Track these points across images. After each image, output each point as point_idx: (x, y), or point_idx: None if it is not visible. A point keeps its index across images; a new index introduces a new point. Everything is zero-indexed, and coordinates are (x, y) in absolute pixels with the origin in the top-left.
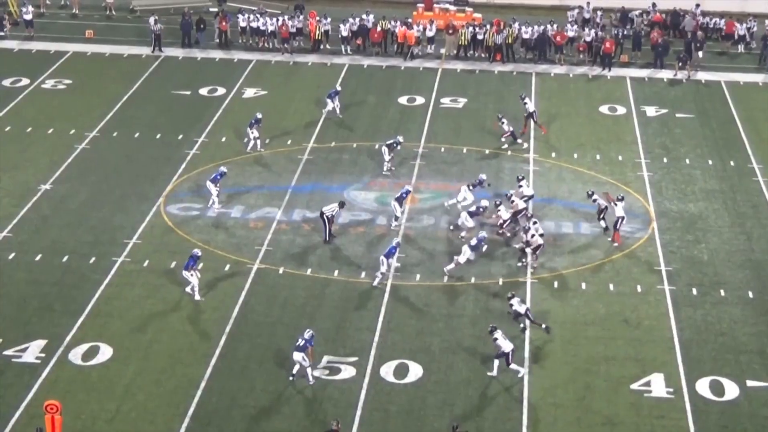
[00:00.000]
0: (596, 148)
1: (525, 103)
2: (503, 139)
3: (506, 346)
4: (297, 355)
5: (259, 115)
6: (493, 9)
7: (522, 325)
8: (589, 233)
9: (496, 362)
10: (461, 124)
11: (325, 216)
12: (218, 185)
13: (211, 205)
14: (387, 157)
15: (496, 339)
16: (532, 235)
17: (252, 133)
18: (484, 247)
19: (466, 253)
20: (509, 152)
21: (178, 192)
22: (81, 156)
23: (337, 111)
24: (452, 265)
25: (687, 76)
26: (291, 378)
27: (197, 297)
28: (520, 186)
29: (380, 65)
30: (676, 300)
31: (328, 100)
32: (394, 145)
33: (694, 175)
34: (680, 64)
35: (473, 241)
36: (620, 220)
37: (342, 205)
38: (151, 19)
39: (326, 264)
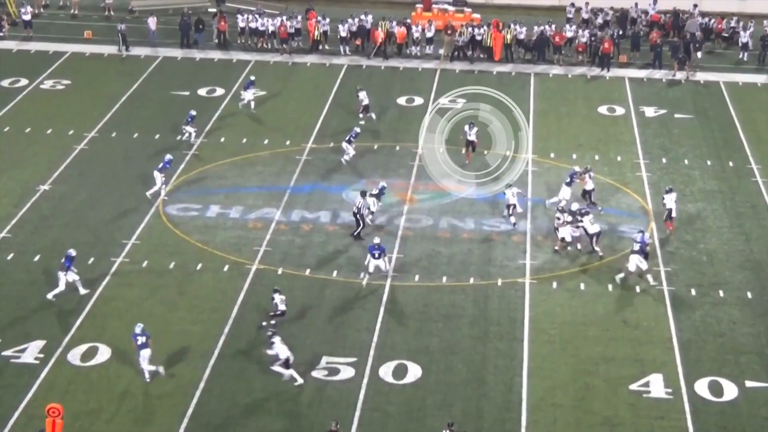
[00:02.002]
0: (595, 148)
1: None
2: (360, 115)
3: (283, 352)
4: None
5: (194, 113)
6: (492, 9)
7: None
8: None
9: (281, 369)
10: (460, 125)
11: (357, 215)
12: (164, 174)
13: (157, 192)
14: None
15: (273, 343)
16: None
17: (186, 129)
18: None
19: (634, 260)
20: (508, 153)
21: (176, 192)
22: (80, 156)
23: (252, 106)
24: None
25: (686, 77)
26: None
27: (81, 291)
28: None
29: (379, 66)
30: (674, 301)
31: (243, 92)
32: (353, 137)
33: (693, 175)
34: (679, 64)
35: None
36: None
37: (363, 194)
38: (122, 25)
39: (325, 264)
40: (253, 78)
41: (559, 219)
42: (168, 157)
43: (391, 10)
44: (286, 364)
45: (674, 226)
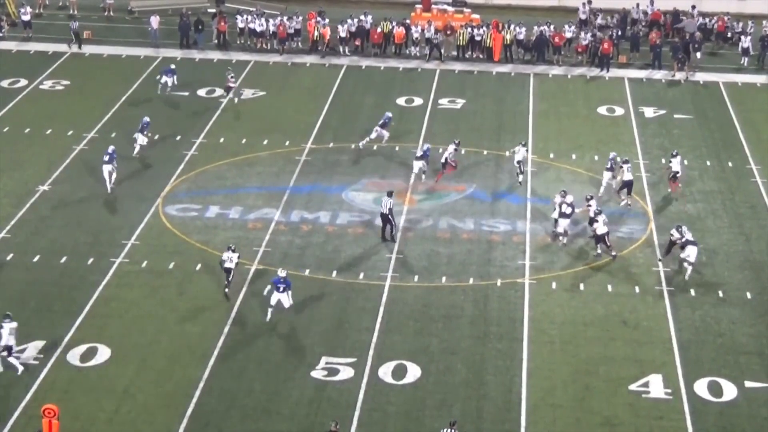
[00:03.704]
0: (594, 149)
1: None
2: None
3: (5, 339)
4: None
5: (147, 119)
6: (492, 10)
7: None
8: (588, 233)
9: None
10: (460, 125)
11: (390, 215)
12: (114, 163)
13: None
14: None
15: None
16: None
17: (139, 138)
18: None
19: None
20: (507, 153)
21: (176, 193)
22: (79, 157)
23: (168, 86)
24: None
25: (685, 77)
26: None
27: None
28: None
29: (378, 66)
30: (674, 301)
31: (164, 77)
32: (387, 121)
33: (693, 176)
34: (678, 64)
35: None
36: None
37: (390, 194)
38: (75, 23)
39: (324, 265)
40: (173, 66)
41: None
42: (112, 147)
43: (391, 11)
44: (8, 351)
45: (680, 187)
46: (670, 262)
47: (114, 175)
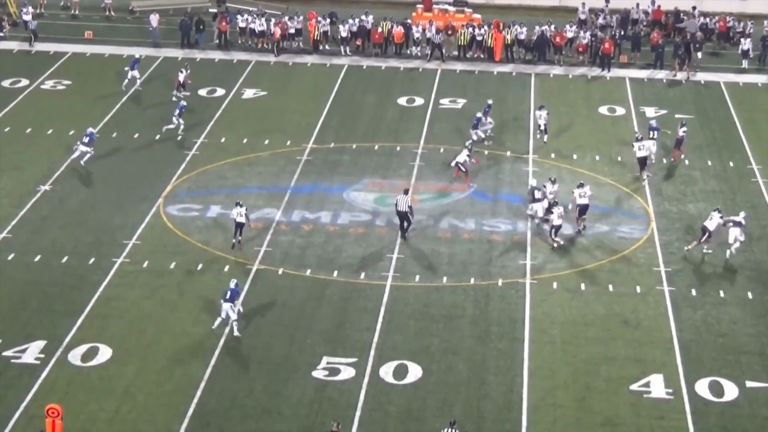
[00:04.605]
0: (596, 148)
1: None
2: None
3: None
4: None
5: (91, 130)
6: (493, 10)
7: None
8: (588, 234)
9: None
10: (461, 125)
11: (406, 213)
12: (91, 147)
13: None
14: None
15: None
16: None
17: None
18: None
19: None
20: (508, 153)
21: (177, 193)
22: (80, 157)
23: (138, 82)
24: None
25: (686, 77)
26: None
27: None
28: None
29: (379, 66)
30: (675, 301)
31: (129, 71)
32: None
33: (694, 175)
34: (679, 64)
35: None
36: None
37: (406, 191)
38: (33, 21)
39: (325, 265)
40: (138, 56)
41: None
42: (90, 130)
43: (392, 10)
44: None
45: (683, 155)
46: (672, 263)
47: (87, 157)
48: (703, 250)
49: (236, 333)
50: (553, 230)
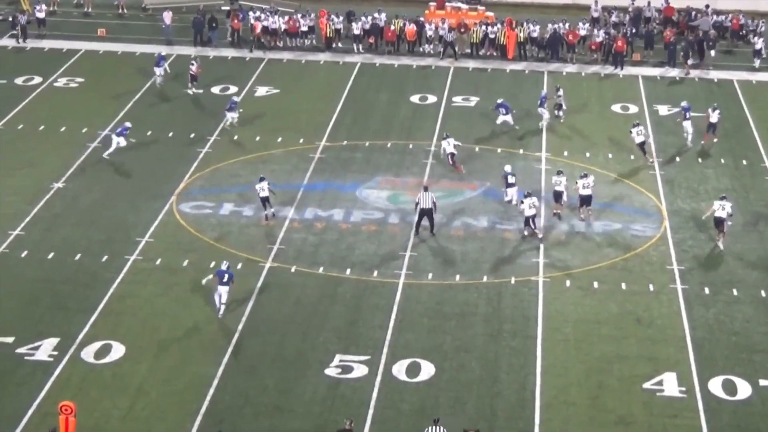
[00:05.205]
0: (608, 147)
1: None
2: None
3: None
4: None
5: (128, 124)
6: (505, 7)
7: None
8: (601, 232)
9: None
10: (473, 123)
11: (431, 210)
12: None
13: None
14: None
15: None
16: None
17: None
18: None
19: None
20: (521, 151)
21: (190, 190)
22: (93, 154)
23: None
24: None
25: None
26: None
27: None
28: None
29: (392, 63)
30: (688, 299)
31: (155, 68)
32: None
33: (707, 173)
34: (686, 62)
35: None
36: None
37: (426, 188)
38: (22, 16)
39: (338, 263)
40: (163, 53)
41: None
42: (127, 124)
43: (404, 8)
44: None
45: (714, 139)
46: (685, 261)
47: (115, 147)
48: (718, 243)
49: (220, 314)
50: (529, 220)
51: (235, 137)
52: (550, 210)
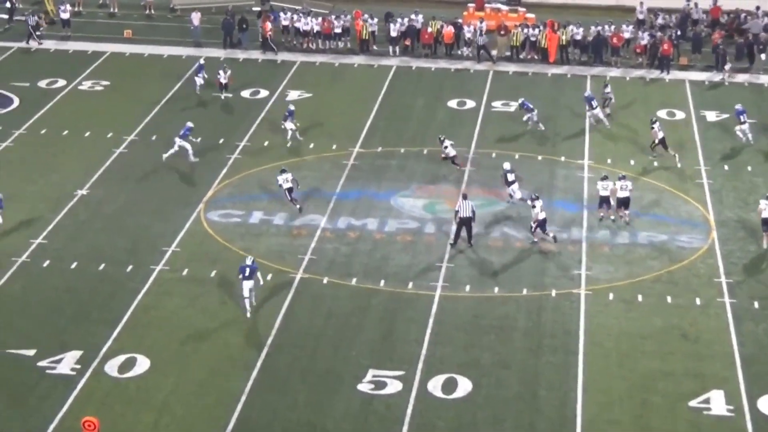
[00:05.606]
0: (654, 154)
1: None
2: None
3: None
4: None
5: (190, 124)
6: (547, 9)
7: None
8: (646, 243)
9: None
10: (513, 129)
11: (470, 219)
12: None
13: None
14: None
15: None
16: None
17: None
18: None
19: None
20: (563, 158)
21: (219, 198)
22: (119, 160)
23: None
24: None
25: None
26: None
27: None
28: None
29: (429, 67)
30: (737, 313)
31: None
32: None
33: (756, 182)
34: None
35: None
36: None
37: (465, 196)
38: (32, 17)
39: (372, 274)
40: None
41: None
42: (189, 124)
43: (443, 10)
44: None
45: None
46: (734, 274)
47: (190, 152)
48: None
49: (248, 314)
50: (537, 225)
51: (266, 143)
52: (594, 217)
